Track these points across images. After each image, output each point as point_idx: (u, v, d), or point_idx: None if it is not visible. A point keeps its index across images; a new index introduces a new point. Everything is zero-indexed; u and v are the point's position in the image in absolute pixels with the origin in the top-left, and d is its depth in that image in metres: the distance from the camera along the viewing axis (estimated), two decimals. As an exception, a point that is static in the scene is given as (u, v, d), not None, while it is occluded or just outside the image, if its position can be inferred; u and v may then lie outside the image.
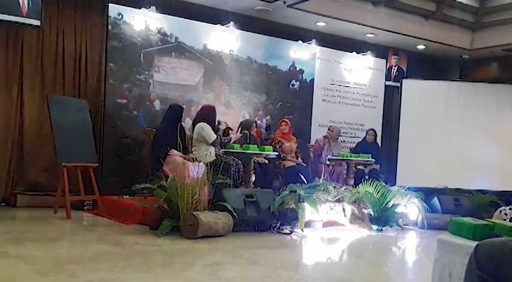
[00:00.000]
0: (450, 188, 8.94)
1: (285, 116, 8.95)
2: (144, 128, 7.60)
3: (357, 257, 5.66)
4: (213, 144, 6.98)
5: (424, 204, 7.46)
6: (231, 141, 7.45)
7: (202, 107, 7.54)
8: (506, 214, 4.30)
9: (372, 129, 9.58)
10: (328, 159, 8.49)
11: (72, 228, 6.19)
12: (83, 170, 6.91)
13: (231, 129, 7.55)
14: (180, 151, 6.72)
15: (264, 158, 7.56)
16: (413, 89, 10.21)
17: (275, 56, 9.34)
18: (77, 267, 4.09)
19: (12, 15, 7.05)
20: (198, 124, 7.05)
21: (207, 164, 6.31)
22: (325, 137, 8.86)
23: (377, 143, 9.65)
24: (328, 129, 8.99)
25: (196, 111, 7.80)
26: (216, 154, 7.02)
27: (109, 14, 7.63)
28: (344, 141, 10.05)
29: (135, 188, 6.06)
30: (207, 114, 7.20)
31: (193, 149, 7.00)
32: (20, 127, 7.45)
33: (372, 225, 6.99)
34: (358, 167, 8.70)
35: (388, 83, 10.93)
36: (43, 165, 7.47)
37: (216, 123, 7.27)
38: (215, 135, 6.98)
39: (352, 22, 9.26)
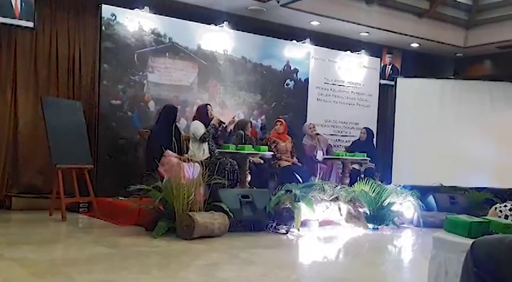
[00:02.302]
0: (445, 186, 8.96)
1: (280, 115, 8.95)
2: (139, 129, 7.56)
3: (353, 256, 5.67)
4: (202, 140, 6.96)
5: (420, 202, 7.49)
6: (227, 129, 7.43)
7: (197, 107, 7.56)
8: (501, 211, 4.32)
9: (365, 127, 9.59)
10: (324, 158, 8.50)
11: (68, 230, 6.17)
12: (78, 172, 6.89)
13: (223, 123, 7.45)
14: (175, 152, 6.71)
15: (260, 158, 7.55)
16: (407, 87, 10.21)
17: (269, 56, 9.33)
18: (73, 269, 4.08)
19: (5, 17, 7.03)
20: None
21: (202, 163, 6.30)
22: (314, 135, 8.83)
23: (372, 142, 9.65)
24: (308, 129, 8.94)
25: (191, 112, 7.82)
26: (210, 153, 7.01)
27: (102, 15, 7.60)
28: (339, 140, 10.06)
29: (130, 189, 6.05)
30: (200, 113, 7.23)
31: (190, 148, 6.99)
32: (14, 129, 7.42)
33: (368, 224, 7.00)
34: (354, 166, 8.71)
35: (382, 81, 10.94)
36: (38, 167, 7.44)
37: (210, 118, 7.20)
38: (202, 131, 6.96)
39: (345, 21, 9.26)
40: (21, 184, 7.41)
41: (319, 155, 8.55)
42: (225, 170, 6.76)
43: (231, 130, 7.49)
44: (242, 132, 7.64)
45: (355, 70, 10.46)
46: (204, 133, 6.94)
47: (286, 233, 6.26)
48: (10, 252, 4.58)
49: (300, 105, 9.69)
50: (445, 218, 3.63)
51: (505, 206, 4.36)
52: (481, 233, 3.01)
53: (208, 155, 6.95)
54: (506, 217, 4.16)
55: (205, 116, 7.14)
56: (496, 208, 4.38)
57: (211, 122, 7.05)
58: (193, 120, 7.24)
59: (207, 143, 7.05)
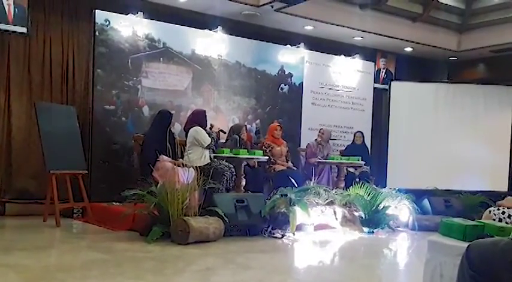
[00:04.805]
0: (440, 189, 8.98)
1: (275, 120, 8.94)
2: (133, 134, 7.53)
3: (348, 260, 5.66)
4: (207, 147, 6.95)
5: (415, 205, 7.50)
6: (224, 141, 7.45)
7: (193, 112, 7.50)
8: (495, 214, 4.35)
9: (360, 131, 9.61)
10: (317, 162, 8.49)
11: (62, 236, 6.14)
12: (72, 177, 6.86)
13: (224, 132, 7.55)
14: (169, 157, 6.68)
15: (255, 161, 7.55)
16: (401, 91, 10.24)
17: (264, 60, 9.34)
18: (67, 275, 4.06)
19: (-2, 22, 7.02)
20: (192, 128, 6.99)
21: (199, 168, 6.27)
22: (318, 143, 8.83)
23: (366, 146, 9.67)
24: (319, 133, 8.99)
25: (186, 116, 7.78)
26: (210, 158, 6.99)
27: (96, 20, 7.58)
28: (334, 144, 10.06)
29: (124, 194, 5.99)
30: (199, 119, 7.15)
31: (186, 153, 6.94)
32: (8, 134, 7.38)
33: (363, 228, 7.00)
34: (349, 169, 8.72)
35: (376, 85, 10.96)
36: (31, 173, 7.40)
37: (208, 126, 7.23)
38: (210, 139, 6.95)
39: (339, 25, 9.28)
40: (15, 190, 7.37)
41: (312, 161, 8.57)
42: (224, 175, 6.74)
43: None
44: (237, 136, 7.62)
45: (350, 74, 10.48)
46: (211, 142, 6.94)
47: (282, 237, 6.24)
48: (4, 259, 4.55)
49: (295, 110, 9.69)
50: (440, 221, 3.64)
51: (498, 209, 4.39)
52: (476, 236, 3.02)
53: (209, 161, 6.92)
54: (500, 220, 4.18)
55: (204, 123, 7.12)
56: (490, 211, 4.40)
57: (212, 129, 7.06)
58: (189, 124, 7.14)
59: (208, 150, 7.02)
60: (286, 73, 9.61)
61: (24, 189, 7.39)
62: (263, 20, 9.01)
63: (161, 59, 8.18)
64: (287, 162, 8.20)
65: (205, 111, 7.40)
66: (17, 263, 4.38)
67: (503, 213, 4.30)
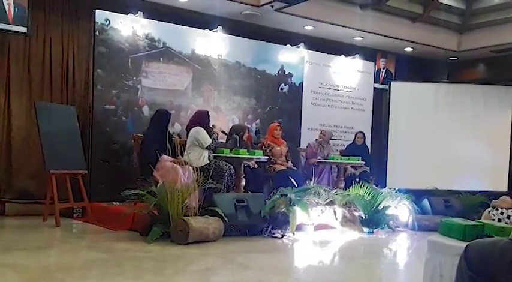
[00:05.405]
0: (440, 190, 8.98)
1: (275, 120, 8.95)
2: (133, 134, 7.53)
3: (348, 260, 5.66)
4: (207, 148, 6.94)
5: (415, 205, 7.50)
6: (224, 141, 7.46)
7: (196, 112, 7.48)
8: (493, 215, 4.36)
9: (361, 131, 9.61)
10: (317, 162, 8.50)
11: (62, 236, 6.15)
12: (72, 177, 6.86)
13: (225, 134, 7.56)
14: (169, 156, 6.67)
15: (255, 162, 7.55)
16: (401, 91, 10.24)
17: (264, 60, 9.33)
18: (67, 275, 4.06)
19: (-2, 22, 7.02)
20: (193, 128, 6.98)
21: (199, 168, 6.27)
22: (319, 143, 8.83)
23: (366, 146, 9.67)
24: (320, 133, 9.00)
25: (186, 116, 7.79)
26: (209, 158, 6.99)
27: (96, 20, 7.58)
28: (334, 144, 10.06)
29: (124, 194, 5.99)
30: (202, 119, 7.13)
31: (186, 153, 6.93)
32: (8, 134, 7.39)
33: (363, 228, 7.00)
34: (349, 169, 8.72)
35: (376, 85, 10.96)
36: (31, 173, 7.40)
37: (210, 127, 7.21)
38: (210, 140, 6.94)
39: (340, 25, 9.28)
40: (15, 189, 7.37)
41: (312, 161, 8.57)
42: (223, 175, 6.74)
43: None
44: (237, 136, 7.61)
45: (350, 74, 10.48)
46: (212, 142, 6.93)
47: (282, 237, 6.24)
48: (3, 258, 4.56)
49: (295, 110, 9.69)
50: (439, 221, 3.64)
51: (496, 209, 4.40)
52: (475, 236, 3.02)
53: (208, 162, 6.91)
54: (500, 221, 4.19)
55: (207, 124, 7.11)
56: (489, 211, 4.41)
57: (214, 130, 7.07)
58: (191, 125, 7.14)
59: (207, 151, 7.01)
60: (286, 73, 9.61)
61: (24, 189, 7.39)
62: (263, 20, 9.01)
63: (161, 58, 8.17)
64: (287, 162, 8.19)
65: (208, 111, 7.40)
66: (17, 263, 4.38)
67: (501, 213, 4.32)
